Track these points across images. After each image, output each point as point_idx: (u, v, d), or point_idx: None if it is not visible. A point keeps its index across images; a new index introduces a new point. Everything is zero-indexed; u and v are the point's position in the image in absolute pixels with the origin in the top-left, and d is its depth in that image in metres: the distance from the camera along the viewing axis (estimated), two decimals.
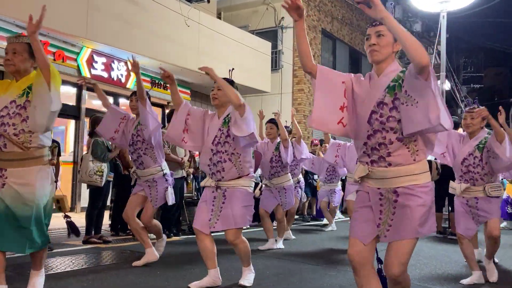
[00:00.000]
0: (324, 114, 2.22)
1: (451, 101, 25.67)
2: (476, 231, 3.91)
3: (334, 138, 6.59)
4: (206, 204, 3.38)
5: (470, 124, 3.80)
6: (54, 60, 7.84)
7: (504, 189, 7.85)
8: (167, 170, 4.34)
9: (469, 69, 30.97)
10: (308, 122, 2.31)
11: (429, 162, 2.24)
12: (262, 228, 5.69)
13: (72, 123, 9.13)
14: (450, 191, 3.97)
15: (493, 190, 3.71)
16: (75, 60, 8.24)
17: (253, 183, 3.49)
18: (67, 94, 9.03)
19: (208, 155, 3.36)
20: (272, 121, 5.53)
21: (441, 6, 7.89)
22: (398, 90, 2.07)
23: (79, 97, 8.99)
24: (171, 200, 4.34)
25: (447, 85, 15.27)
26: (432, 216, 2.12)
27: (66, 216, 3.34)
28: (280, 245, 5.47)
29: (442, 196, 7.12)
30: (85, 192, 6.50)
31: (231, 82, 3.48)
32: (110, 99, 10.02)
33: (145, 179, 4.21)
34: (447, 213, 7.17)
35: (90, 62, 8.52)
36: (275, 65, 13.01)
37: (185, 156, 6.40)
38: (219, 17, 13.20)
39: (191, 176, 7.41)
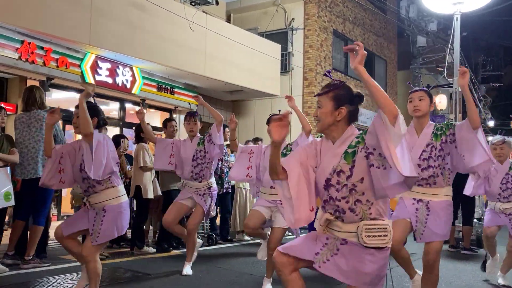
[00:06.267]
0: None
1: None
2: None
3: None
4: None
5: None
6: (57, 66, 7.75)
7: None
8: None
9: (488, 67, 30.19)
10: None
11: None
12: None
13: None
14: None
15: (370, 235, 2.07)
16: (79, 66, 8.14)
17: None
18: (72, 100, 8.94)
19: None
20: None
21: (454, 8, 7.56)
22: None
23: None
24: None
25: None
26: None
27: None
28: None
29: (455, 209, 6.83)
30: None
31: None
32: (116, 105, 10.02)
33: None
34: (460, 225, 6.83)
35: (94, 68, 8.41)
36: (285, 67, 12.76)
37: None
38: (228, 19, 13.00)
39: None
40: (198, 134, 4.69)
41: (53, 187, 3.37)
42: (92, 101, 3.39)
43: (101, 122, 3.39)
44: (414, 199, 3.19)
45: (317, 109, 2.22)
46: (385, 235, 2.08)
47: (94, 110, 3.32)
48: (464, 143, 3.03)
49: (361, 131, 2.17)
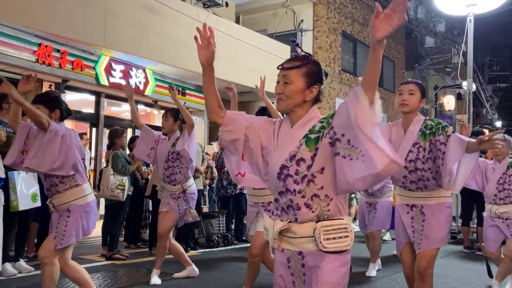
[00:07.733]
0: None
1: (475, 101, 25.01)
2: None
3: None
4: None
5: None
6: (73, 69, 7.83)
7: None
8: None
9: (495, 67, 30.10)
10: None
11: None
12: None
13: (92, 130, 9.14)
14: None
15: (329, 237, 1.76)
16: (94, 68, 8.22)
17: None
18: (86, 101, 9.05)
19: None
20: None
21: (468, 10, 7.58)
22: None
23: (97, 104, 9.00)
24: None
25: (473, 87, 14.82)
26: None
27: None
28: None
29: (470, 210, 6.86)
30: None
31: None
32: (128, 106, 10.06)
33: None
34: (475, 226, 6.87)
35: (109, 70, 8.49)
36: None
37: (201, 166, 6.28)
38: (237, 21, 13.06)
39: (207, 187, 7.30)
40: (177, 133, 4.32)
41: (16, 167, 3.04)
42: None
43: (65, 113, 3.07)
44: (407, 205, 2.91)
45: (281, 85, 1.84)
46: (346, 236, 1.77)
47: (55, 102, 3.04)
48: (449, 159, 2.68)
49: (326, 116, 1.86)
